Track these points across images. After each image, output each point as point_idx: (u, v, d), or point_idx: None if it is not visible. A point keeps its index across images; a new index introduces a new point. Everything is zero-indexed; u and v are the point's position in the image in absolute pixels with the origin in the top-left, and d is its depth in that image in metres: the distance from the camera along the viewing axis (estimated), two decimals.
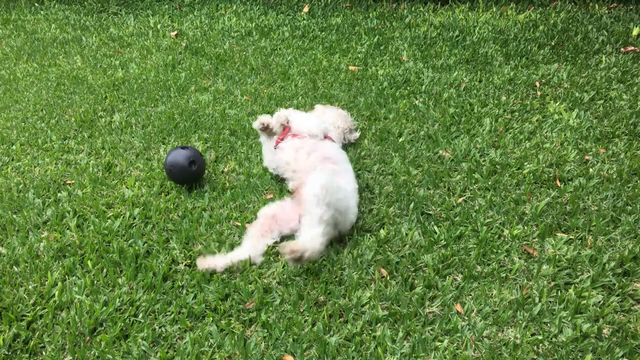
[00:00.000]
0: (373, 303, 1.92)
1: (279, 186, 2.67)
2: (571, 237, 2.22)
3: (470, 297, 1.95)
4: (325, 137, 2.75)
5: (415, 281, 2.03)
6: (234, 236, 2.32)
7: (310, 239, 2.01)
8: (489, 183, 2.61)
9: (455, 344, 1.75)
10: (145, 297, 1.98)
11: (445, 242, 2.21)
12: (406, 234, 2.27)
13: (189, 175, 2.58)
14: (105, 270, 2.13)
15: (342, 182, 2.30)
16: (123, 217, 2.44)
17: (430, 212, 2.42)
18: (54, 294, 2.00)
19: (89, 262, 2.16)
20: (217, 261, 2.10)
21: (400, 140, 3.09)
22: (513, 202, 2.46)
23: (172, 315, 1.90)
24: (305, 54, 4.72)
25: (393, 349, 1.74)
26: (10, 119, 3.59)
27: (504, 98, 3.58)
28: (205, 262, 2.09)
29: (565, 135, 3.03)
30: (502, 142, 3.00)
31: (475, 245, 2.19)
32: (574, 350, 1.71)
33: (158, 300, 1.97)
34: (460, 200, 2.50)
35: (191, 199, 2.58)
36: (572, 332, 1.77)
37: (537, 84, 3.78)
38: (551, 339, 1.76)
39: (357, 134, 3.12)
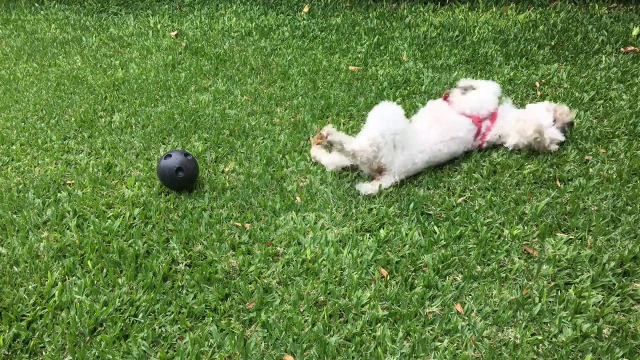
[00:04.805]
0: (373, 303, 1.92)
1: (279, 186, 2.67)
2: (571, 237, 2.22)
3: (470, 297, 1.95)
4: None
5: (415, 281, 2.03)
6: (234, 236, 2.32)
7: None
8: (489, 183, 2.61)
9: (455, 344, 1.76)
10: (145, 297, 1.98)
11: (445, 242, 2.21)
12: (406, 234, 2.27)
13: (181, 182, 2.57)
14: (105, 270, 2.13)
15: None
16: (123, 217, 2.44)
17: (430, 212, 2.42)
18: (54, 294, 2.00)
19: (89, 262, 2.16)
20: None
21: None
22: (513, 202, 2.46)
23: (172, 315, 1.90)
24: (305, 54, 4.72)
25: (393, 349, 1.74)
26: (10, 119, 3.59)
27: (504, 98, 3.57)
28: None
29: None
30: None
31: (475, 245, 2.19)
32: (574, 350, 1.72)
33: (158, 300, 1.97)
34: (460, 200, 2.50)
35: (191, 199, 2.58)
36: (572, 332, 1.77)
37: (537, 84, 3.78)
38: (551, 339, 1.76)
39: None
